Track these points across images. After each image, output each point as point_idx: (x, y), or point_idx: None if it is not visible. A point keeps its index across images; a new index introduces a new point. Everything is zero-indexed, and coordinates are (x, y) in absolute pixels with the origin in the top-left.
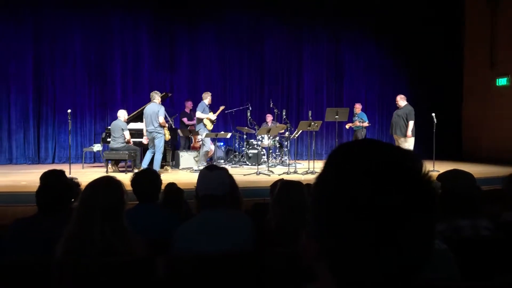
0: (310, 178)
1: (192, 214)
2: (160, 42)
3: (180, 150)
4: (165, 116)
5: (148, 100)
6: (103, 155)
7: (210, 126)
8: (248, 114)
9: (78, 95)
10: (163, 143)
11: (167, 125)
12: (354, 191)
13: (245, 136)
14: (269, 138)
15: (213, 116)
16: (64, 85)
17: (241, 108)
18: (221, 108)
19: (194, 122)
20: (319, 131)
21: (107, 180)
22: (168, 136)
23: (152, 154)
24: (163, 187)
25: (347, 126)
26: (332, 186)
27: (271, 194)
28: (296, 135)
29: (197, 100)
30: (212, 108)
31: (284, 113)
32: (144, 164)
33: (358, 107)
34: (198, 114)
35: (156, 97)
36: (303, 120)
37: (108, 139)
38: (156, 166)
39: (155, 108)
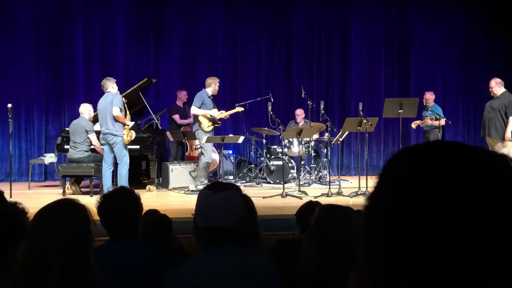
0: (362, 202)
1: (187, 255)
2: (141, 7)
3: (170, 162)
4: (123, 107)
5: (124, 89)
6: (59, 170)
7: (208, 126)
8: (269, 108)
9: (22, 83)
10: (125, 149)
11: (127, 122)
12: (422, 216)
13: (264, 141)
14: (300, 143)
15: (216, 113)
16: (2, 68)
17: (258, 99)
18: (237, 109)
19: (190, 120)
20: (374, 132)
21: (66, 205)
22: (127, 138)
23: (112, 169)
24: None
25: (414, 125)
26: (390, 211)
27: (300, 223)
28: (341, 139)
29: (194, 90)
30: (218, 102)
31: (322, 107)
32: (106, 187)
33: (430, 98)
34: (194, 109)
35: (110, 85)
36: (350, 116)
37: (66, 146)
38: (125, 183)
39: (109, 98)
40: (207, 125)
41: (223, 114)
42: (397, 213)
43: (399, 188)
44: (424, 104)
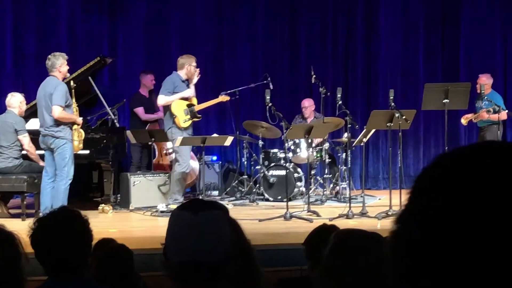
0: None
1: None
2: None
3: (131, 172)
4: (67, 100)
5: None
6: None
7: (185, 121)
8: (267, 98)
9: None
10: (68, 157)
11: (77, 118)
12: (469, 242)
13: (261, 143)
14: (309, 146)
15: (190, 92)
16: None
17: (252, 86)
18: (221, 98)
19: (159, 115)
20: (411, 130)
21: None
22: (78, 144)
23: (52, 181)
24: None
25: (464, 121)
26: (429, 235)
27: (310, 255)
28: (365, 140)
29: (164, 74)
30: (197, 92)
31: (338, 96)
32: (44, 207)
33: (486, 82)
34: (162, 99)
35: (58, 64)
36: (377, 108)
37: None
38: (62, 203)
39: (49, 87)
40: (183, 120)
41: (203, 105)
42: (441, 240)
43: (440, 207)
44: (479, 91)
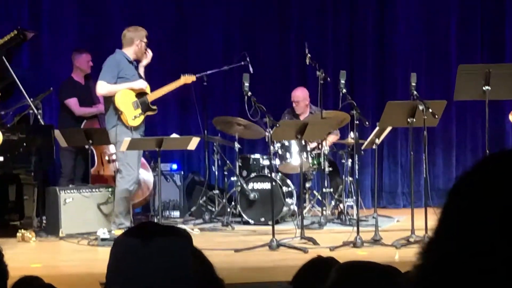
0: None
1: None
2: None
3: (61, 187)
4: None
5: None
6: None
7: (135, 117)
8: (245, 85)
9: None
10: None
11: None
12: None
13: (237, 146)
14: (303, 149)
15: (142, 84)
16: None
17: (225, 68)
18: (184, 79)
19: (99, 108)
20: (439, 128)
21: None
22: None
23: None
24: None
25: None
26: (470, 272)
27: None
28: (378, 141)
29: (106, 53)
30: (151, 77)
31: (342, 82)
32: None
33: None
34: (101, 86)
35: None
36: (394, 99)
37: None
38: None
39: None
40: (132, 116)
41: (159, 92)
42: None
43: (486, 231)
44: None
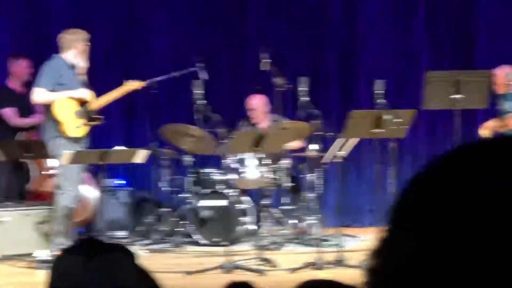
0: None
1: None
2: None
3: None
4: None
5: None
6: None
7: (77, 127)
8: (198, 92)
9: None
10: None
11: None
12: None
13: (188, 159)
14: (261, 163)
15: (84, 94)
16: None
17: (176, 74)
18: (130, 86)
19: (38, 119)
20: (408, 140)
21: None
22: None
23: None
24: None
25: (485, 132)
26: (420, 271)
27: None
28: (346, 155)
29: (45, 58)
30: (95, 83)
31: (303, 90)
32: None
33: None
34: (38, 93)
35: None
36: (359, 108)
37: None
38: None
39: None
40: (73, 126)
41: (104, 98)
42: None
43: (437, 231)
44: (503, 84)
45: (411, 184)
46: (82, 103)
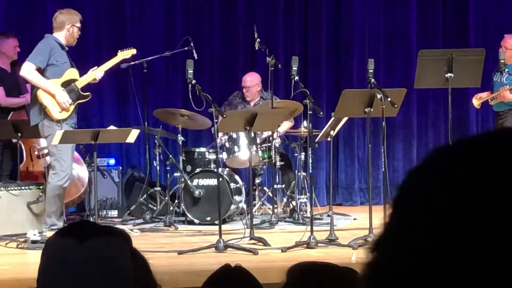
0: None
1: None
2: None
3: None
4: None
5: None
6: None
7: (61, 111)
8: (189, 71)
9: None
10: None
11: None
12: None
13: (180, 139)
14: (252, 142)
15: (58, 98)
16: None
17: (167, 54)
18: (123, 54)
19: (28, 99)
20: (399, 119)
21: None
22: None
23: None
24: None
25: (476, 102)
26: (421, 266)
27: None
28: (333, 133)
29: (35, 38)
30: (85, 62)
31: (294, 69)
32: None
33: (510, 47)
34: (27, 68)
35: None
36: (350, 87)
37: None
38: None
39: None
40: (56, 109)
41: (91, 74)
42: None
43: (438, 225)
44: (500, 61)
45: (410, 177)
46: (67, 82)
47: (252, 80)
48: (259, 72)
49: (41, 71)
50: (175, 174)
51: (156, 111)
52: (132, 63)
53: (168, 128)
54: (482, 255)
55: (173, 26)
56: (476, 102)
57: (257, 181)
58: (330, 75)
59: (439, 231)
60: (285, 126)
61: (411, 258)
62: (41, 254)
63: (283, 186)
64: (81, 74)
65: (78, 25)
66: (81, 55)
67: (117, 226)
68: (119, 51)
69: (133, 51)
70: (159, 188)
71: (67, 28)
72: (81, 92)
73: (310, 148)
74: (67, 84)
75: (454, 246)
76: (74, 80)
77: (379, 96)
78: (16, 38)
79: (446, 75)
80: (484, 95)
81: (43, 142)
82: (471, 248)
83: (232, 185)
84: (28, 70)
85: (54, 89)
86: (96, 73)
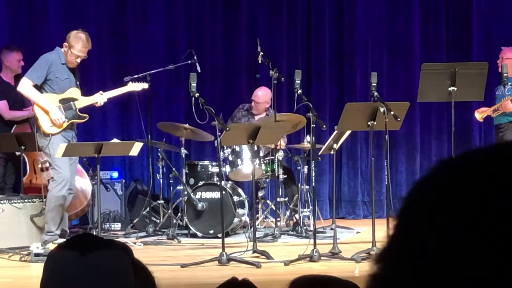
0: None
1: None
2: None
3: None
4: None
5: None
6: None
7: (52, 126)
8: (192, 85)
9: None
10: None
11: None
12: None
13: (183, 152)
14: (255, 155)
15: (52, 114)
16: None
17: (170, 67)
18: (130, 87)
19: (30, 111)
20: (402, 132)
21: None
22: None
23: None
24: None
25: (479, 116)
26: (425, 278)
27: None
28: (337, 146)
29: (40, 51)
30: (88, 73)
31: (297, 82)
32: None
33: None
34: (24, 84)
35: None
36: (354, 100)
37: None
38: None
39: None
40: (48, 124)
41: (94, 98)
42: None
43: (442, 237)
44: (500, 72)
45: (415, 189)
46: (66, 100)
47: (263, 96)
48: (261, 86)
49: (39, 86)
50: (178, 187)
51: (160, 124)
52: (136, 76)
53: (171, 141)
54: (486, 268)
55: (176, 40)
56: (478, 115)
57: (260, 194)
58: (333, 88)
59: (443, 243)
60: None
61: (416, 269)
62: (43, 267)
63: (286, 199)
64: (83, 90)
65: (76, 51)
66: (83, 68)
67: (120, 239)
68: (130, 81)
69: (145, 86)
70: (162, 201)
71: (64, 47)
72: (79, 113)
73: (313, 161)
74: (65, 101)
75: (458, 258)
76: (74, 99)
77: (382, 109)
78: (20, 52)
79: (449, 89)
80: (487, 110)
81: (45, 156)
82: (475, 261)
83: (235, 198)
84: (24, 86)
85: (49, 106)
86: (100, 98)
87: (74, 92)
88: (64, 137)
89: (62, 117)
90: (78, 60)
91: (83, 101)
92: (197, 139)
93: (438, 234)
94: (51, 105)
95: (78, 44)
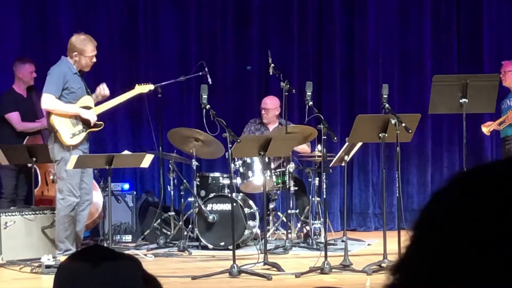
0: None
1: None
2: None
3: (1, 209)
4: None
5: None
6: None
7: (73, 135)
8: (203, 96)
9: None
10: None
11: None
12: None
13: (194, 163)
14: (266, 167)
15: (86, 101)
16: None
17: (181, 79)
18: (139, 89)
19: (43, 123)
20: (413, 143)
21: None
22: None
23: None
24: None
25: (486, 129)
26: None
27: None
28: (348, 158)
29: (51, 63)
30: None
31: (308, 94)
32: None
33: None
34: (47, 100)
35: None
36: (364, 112)
37: None
38: None
39: None
40: (69, 134)
41: (108, 104)
42: None
43: (458, 249)
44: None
45: (434, 200)
46: (85, 108)
47: (272, 103)
48: (273, 94)
49: (57, 98)
50: (189, 199)
51: (171, 131)
52: (156, 85)
53: (182, 153)
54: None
55: (187, 51)
56: (485, 129)
57: (271, 206)
58: (344, 100)
59: (461, 254)
60: (303, 148)
61: (434, 280)
62: (54, 278)
63: (297, 211)
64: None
65: (89, 54)
66: (95, 79)
67: (131, 251)
68: (136, 84)
69: (151, 87)
70: (173, 213)
71: (74, 56)
72: (95, 122)
73: (324, 173)
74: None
75: (476, 269)
76: (89, 108)
77: (393, 121)
78: (33, 64)
79: (461, 101)
80: (492, 122)
81: (57, 168)
82: (493, 271)
83: (246, 210)
84: (49, 101)
85: (79, 110)
86: (104, 90)
87: (88, 100)
88: (81, 150)
89: (94, 116)
90: (94, 60)
91: (97, 109)
92: (207, 157)
93: (455, 245)
94: (79, 108)
95: (87, 47)
